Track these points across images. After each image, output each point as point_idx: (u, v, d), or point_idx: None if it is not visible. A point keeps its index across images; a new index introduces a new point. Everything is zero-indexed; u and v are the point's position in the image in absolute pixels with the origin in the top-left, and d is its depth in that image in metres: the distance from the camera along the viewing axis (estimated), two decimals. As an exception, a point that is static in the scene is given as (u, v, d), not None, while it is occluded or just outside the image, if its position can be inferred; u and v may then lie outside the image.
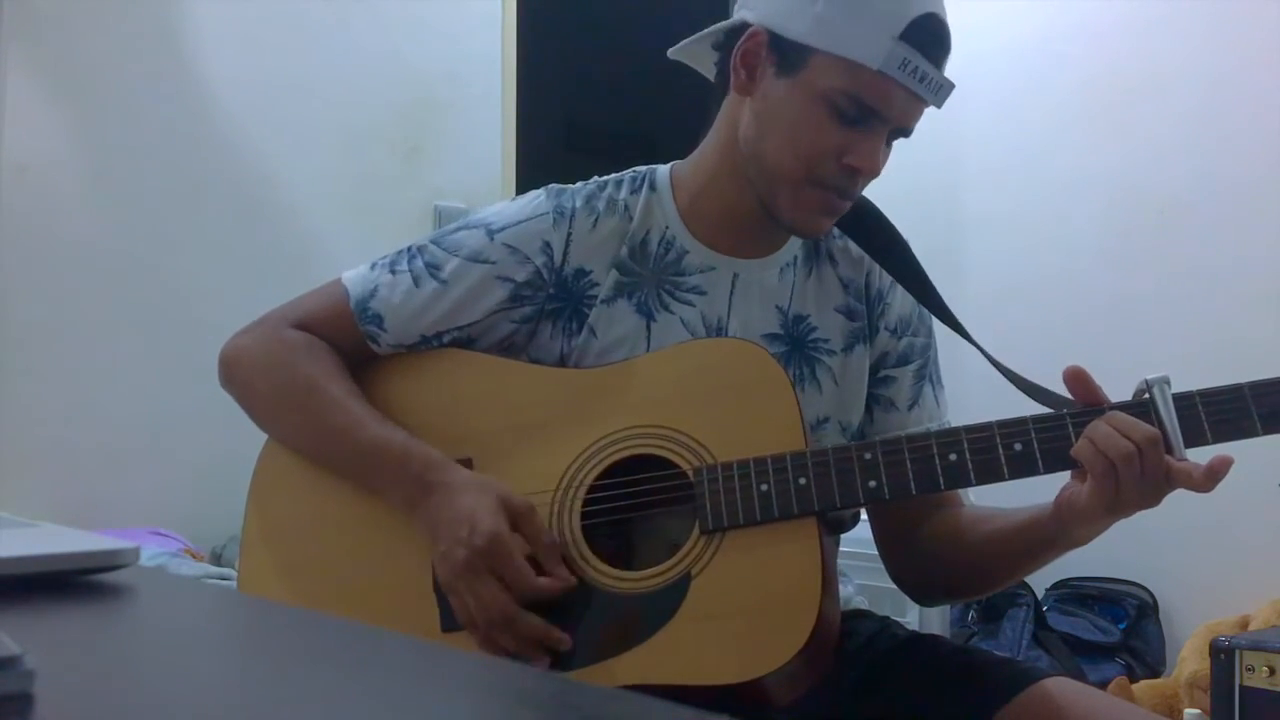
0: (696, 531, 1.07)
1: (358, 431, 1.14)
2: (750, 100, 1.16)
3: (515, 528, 1.06)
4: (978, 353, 1.20)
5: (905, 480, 1.05)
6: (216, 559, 2.37)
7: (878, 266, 1.26)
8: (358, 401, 1.16)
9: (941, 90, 1.12)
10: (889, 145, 1.16)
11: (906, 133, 1.15)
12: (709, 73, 1.24)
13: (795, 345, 1.22)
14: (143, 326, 2.52)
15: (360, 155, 2.82)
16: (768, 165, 1.15)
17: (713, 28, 1.21)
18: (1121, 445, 0.98)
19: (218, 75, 2.63)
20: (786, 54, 1.13)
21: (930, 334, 1.29)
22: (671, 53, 1.26)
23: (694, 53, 1.25)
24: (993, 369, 1.19)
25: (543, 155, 3.09)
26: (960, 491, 1.19)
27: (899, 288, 1.26)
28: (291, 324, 1.22)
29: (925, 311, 1.28)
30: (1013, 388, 1.17)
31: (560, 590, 1.05)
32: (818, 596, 1.01)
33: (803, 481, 1.05)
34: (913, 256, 1.25)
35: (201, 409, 2.37)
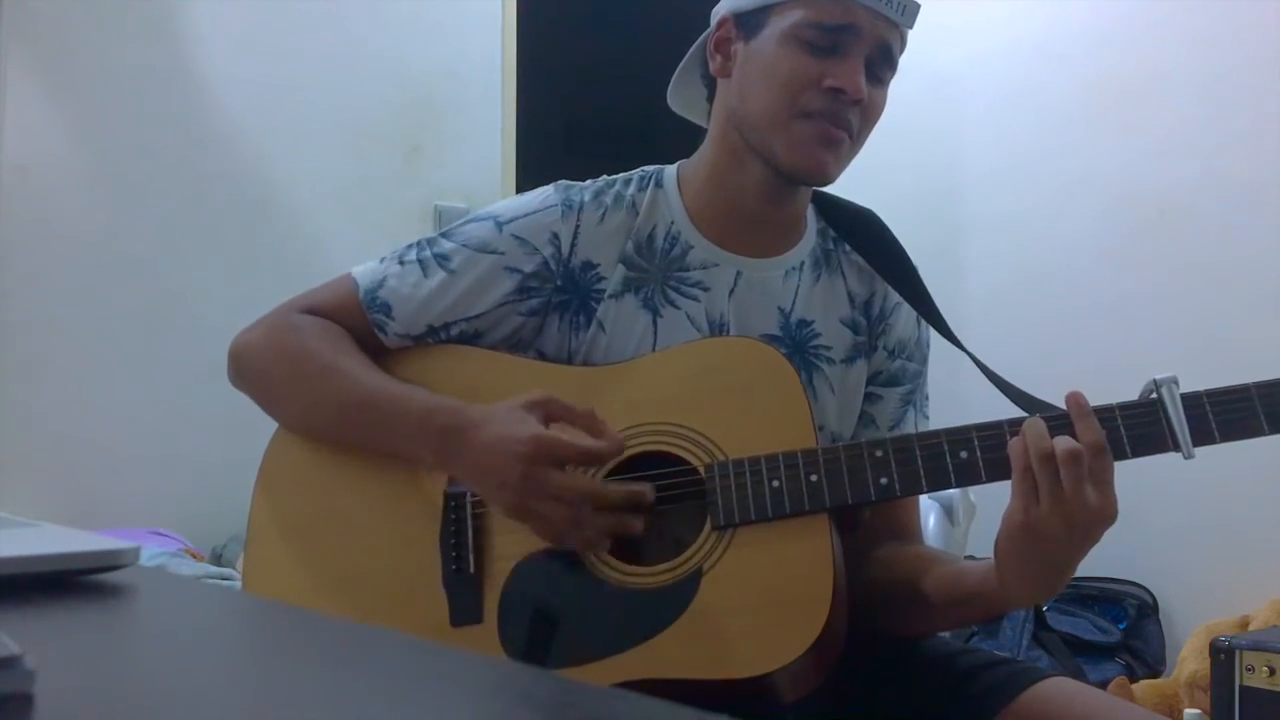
0: (708, 527, 1.07)
1: (378, 396, 1.14)
2: (731, 78, 1.20)
3: (549, 421, 1.06)
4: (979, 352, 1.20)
5: (917, 477, 1.05)
6: (216, 559, 2.37)
7: (885, 286, 1.27)
8: (373, 371, 1.17)
9: (906, 10, 1.14)
10: (882, 82, 1.18)
11: (891, 62, 1.17)
12: (702, 115, 1.28)
13: (795, 348, 1.22)
14: (143, 326, 2.52)
15: (360, 155, 2.82)
16: (756, 117, 1.17)
17: (689, 52, 1.27)
18: (1042, 445, 0.98)
19: (218, 75, 2.63)
20: (750, 22, 1.18)
21: (925, 362, 1.30)
22: (671, 103, 1.32)
23: (688, 97, 1.31)
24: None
25: (543, 155, 3.09)
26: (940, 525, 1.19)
27: (903, 311, 1.27)
28: (299, 312, 1.22)
29: (924, 340, 1.30)
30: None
31: (618, 445, 1.05)
32: (829, 593, 1.01)
33: (814, 478, 1.05)
34: (920, 280, 1.26)
35: (201, 409, 2.37)
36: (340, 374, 1.16)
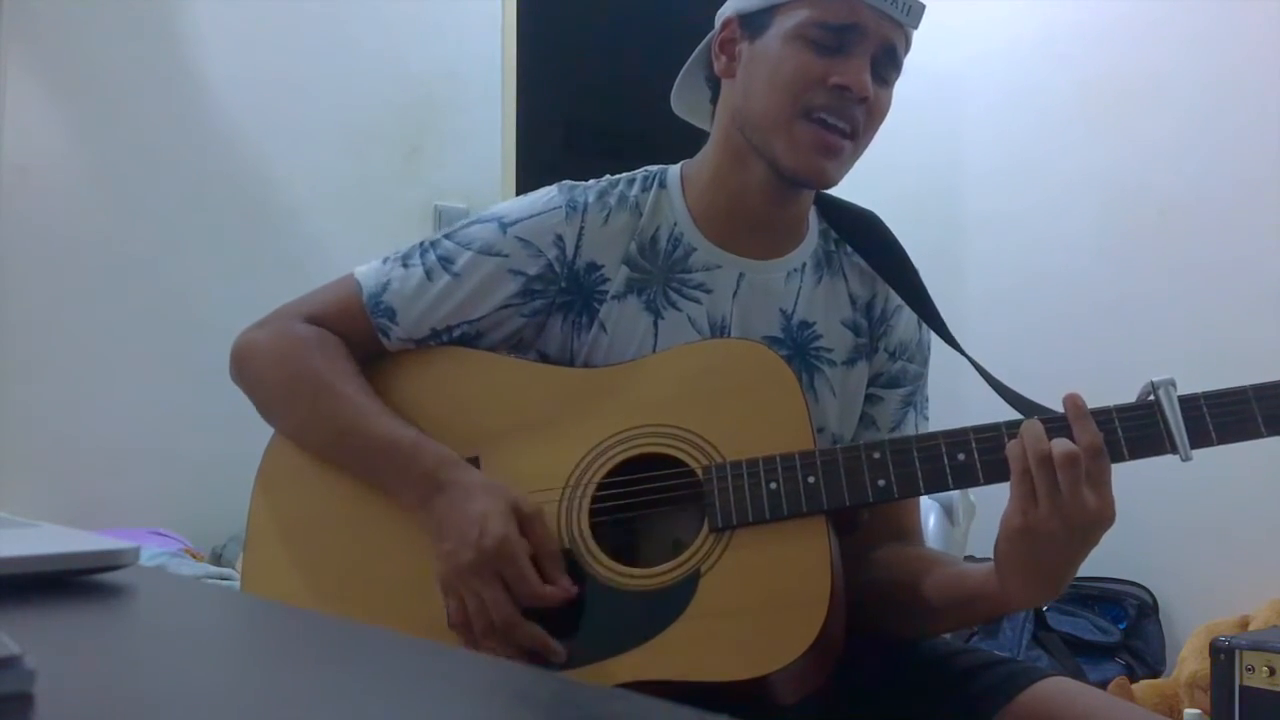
0: (705, 529, 1.07)
1: (369, 427, 1.14)
2: (735, 79, 1.20)
3: (523, 533, 1.06)
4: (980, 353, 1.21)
5: (914, 479, 1.05)
6: (216, 559, 2.37)
7: (887, 288, 1.27)
8: (369, 398, 1.16)
9: (911, 10, 1.15)
10: (887, 83, 1.17)
11: (895, 62, 1.17)
12: (705, 118, 1.28)
13: (797, 350, 1.22)
14: (143, 326, 2.52)
15: (360, 155, 2.82)
16: (759, 117, 1.17)
17: (693, 55, 1.27)
18: (1040, 448, 0.98)
19: (218, 75, 2.63)
20: (755, 22, 1.18)
21: (925, 364, 1.30)
22: (675, 106, 1.33)
23: (691, 100, 1.31)
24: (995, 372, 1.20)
25: (543, 155, 3.09)
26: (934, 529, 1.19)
27: (904, 313, 1.27)
28: (303, 318, 1.22)
29: (925, 342, 1.30)
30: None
31: (562, 599, 1.05)
32: (827, 595, 1.01)
33: (812, 480, 1.05)
34: (920, 282, 1.26)
35: (201, 409, 2.37)
36: (335, 398, 1.16)
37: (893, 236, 1.27)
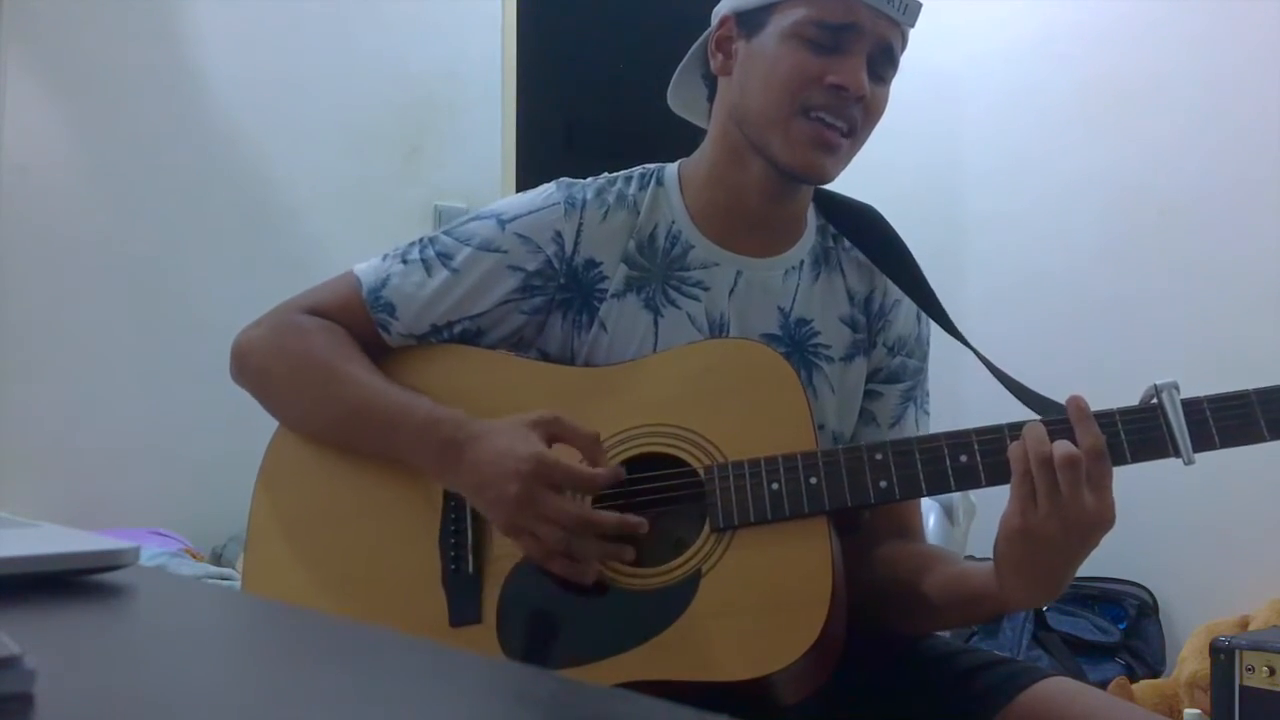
0: (707, 529, 1.07)
1: (381, 403, 1.14)
2: (732, 76, 1.21)
3: (554, 441, 1.06)
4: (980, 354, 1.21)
5: (916, 481, 1.05)
6: (216, 559, 2.37)
7: (885, 282, 1.27)
8: (377, 376, 1.16)
9: (908, 9, 1.15)
10: (884, 81, 1.18)
11: (893, 60, 1.17)
12: (702, 115, 1.28)
13: (795, 347, 1.22)
14: (143, 326, 2.52)
15: (360, 155, 2.82)
16: (756, 114, 1.17)
17: (690, 52, 1.27)
18: (1042, 449, 0.98)
19: (218, 75, 2.63)
20: (752, 20, 1.18)
21: (925, 359, 1.30)
22: (671, 103, 1.33)
23: (688, 98, 1.31)
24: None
25: (543, 155, 3.09)
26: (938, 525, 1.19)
27: (902, 307, 1.27)
28: (303, 312, 1.22)
29: (924, 337, 1.30)
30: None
31: (616, 477, 1.06)
32: (828, 595, 1.01)
33: (814, 480, 1.05)
34: (922, 275, 1.26)
35: (201, 409, 2.38)
36: (342, 379, 1.16)
37: (893, 230, 1.27)
